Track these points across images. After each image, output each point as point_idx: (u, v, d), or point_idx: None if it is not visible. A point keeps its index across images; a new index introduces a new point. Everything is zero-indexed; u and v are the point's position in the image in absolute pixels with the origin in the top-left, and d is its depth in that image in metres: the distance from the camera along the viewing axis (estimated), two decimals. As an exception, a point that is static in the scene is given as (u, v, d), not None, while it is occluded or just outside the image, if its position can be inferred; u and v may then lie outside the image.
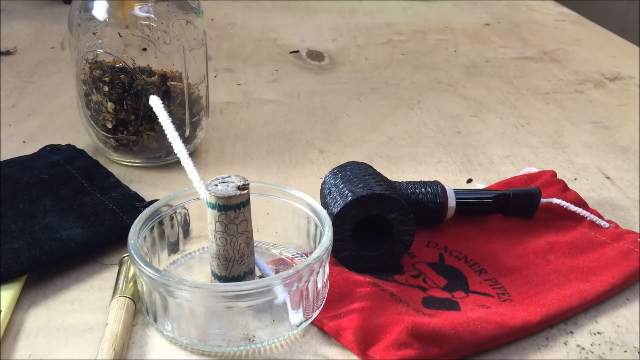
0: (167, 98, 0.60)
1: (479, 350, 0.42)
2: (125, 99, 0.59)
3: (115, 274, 0.47)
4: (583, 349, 0.43)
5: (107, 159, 0.64)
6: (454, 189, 0.54)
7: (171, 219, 0.48)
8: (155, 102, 0.51)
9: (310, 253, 0.43)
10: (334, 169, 0.52)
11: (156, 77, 0.60)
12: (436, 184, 0.53)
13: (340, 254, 0.48)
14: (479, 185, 0.62)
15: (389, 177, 0.52)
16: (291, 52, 0.99)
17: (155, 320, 0.42)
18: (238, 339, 0.41)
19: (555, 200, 0.55)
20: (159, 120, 0.49)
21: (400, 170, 0.65)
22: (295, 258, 0.50)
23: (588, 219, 0.54)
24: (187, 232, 0.49)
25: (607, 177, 0.65)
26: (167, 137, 0.48)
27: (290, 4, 1.26)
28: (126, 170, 0.62)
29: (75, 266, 0.49)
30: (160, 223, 0.47)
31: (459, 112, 0.80)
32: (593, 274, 0.48)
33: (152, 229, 0.46)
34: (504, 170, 0.65)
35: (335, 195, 0.48)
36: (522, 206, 0.55)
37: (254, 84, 0.87)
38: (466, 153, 0.69)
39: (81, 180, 0.57)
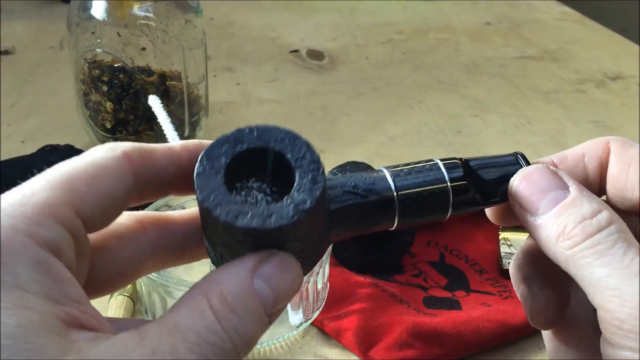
0: (166, 98, 0.60)
1: (481, 349, 0.42)
2: (124, 99, 0.59)
3: (114, 274, 0.46)
4: (585, 350, 0.42)
5: (106, 158, 0.63)
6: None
7: (170, 219, 0.47)
8: (154, 102, 0.51)
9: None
10: (333, 169, 0.51)
11: (155, 76, 0.59)
12: (437, 183, 0.53)
13: (341, 254, 0.47)
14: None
15: (389, 177, 0.52)
16: (291, 52, 0.99)
17: (154, 321, 0.42)
18: (237, 340, 0.40)
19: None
20: (158, 120, 0.49)
21: (401, 170, 0.65)
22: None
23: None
24: (186, 233, 0.49)
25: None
26: (166, 136, 0.48)
27: (290, 3, 1.26)
28: (125, 170, 0.62)
29: (73, 267, 0.48)
30: (159, 223, 0.46)
31: (460, 112, 0.79)
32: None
33: (151, 229, 0.46)
34: (505, 170, 0.65)
35: (336, 195, 0.48)
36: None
37: (254, 84, 0.87)
38: (467, 153, 0.68)
39: (80, 180, 0.56)
